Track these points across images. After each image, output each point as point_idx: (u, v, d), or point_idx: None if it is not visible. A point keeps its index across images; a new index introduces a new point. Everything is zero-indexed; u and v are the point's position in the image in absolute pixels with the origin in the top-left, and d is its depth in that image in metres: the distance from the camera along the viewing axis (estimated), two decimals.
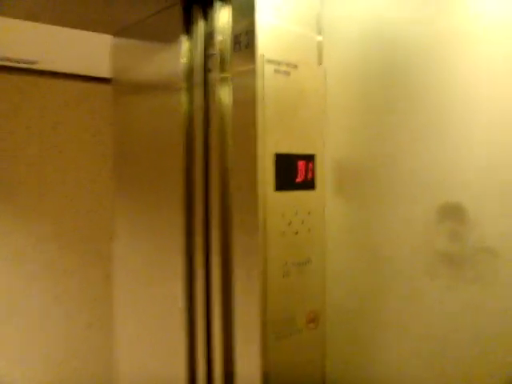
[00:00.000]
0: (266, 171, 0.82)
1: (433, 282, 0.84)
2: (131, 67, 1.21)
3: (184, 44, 1.04)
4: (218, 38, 0.97)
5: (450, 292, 0.83)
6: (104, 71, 1.21)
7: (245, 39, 0.92)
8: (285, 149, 0.86)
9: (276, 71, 0.90)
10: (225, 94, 0.97)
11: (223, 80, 0.98)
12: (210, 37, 1.00)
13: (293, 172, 0.88)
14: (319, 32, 0.97)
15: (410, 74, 0.89)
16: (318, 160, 0.91)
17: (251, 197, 0.82)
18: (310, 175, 0.90)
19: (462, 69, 0.85)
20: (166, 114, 1.11)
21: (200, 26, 1.01)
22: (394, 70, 0.91)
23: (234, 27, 0.96)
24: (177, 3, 1.04)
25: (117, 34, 1.25)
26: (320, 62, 0.98)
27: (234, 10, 0.96)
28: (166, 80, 1.09)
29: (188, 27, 1.05)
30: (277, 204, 0.84)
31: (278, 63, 0.91)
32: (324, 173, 0.90)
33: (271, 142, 0.84)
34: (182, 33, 1.04)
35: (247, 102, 0.86)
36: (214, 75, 0.98)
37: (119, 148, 1.28)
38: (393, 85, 0.91)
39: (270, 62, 0.90)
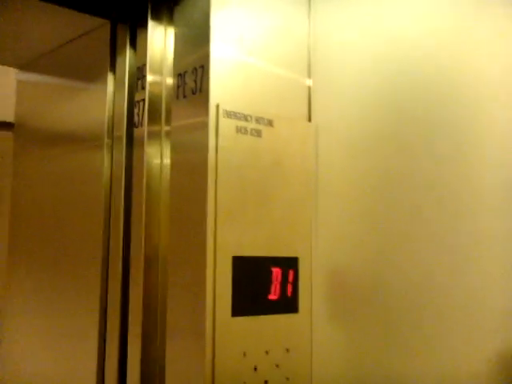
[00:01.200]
0: (219, 284, 0.58)
1: None
2: (40, 111, 0.89)
3: (110, 84, 0.70)
4: (151, 77, 0.64)
5: None
6: (10, 115, 0.88)
7: (192, 80, 0.60)
8: (250, 249, 0.61)
9: (239, 130, 0.63)
10: (157, 160, 0.64)
11: (155, 138, 0.64)
12: (140, 74, 0.67)
13: (263, 285, 0.62)
14: (309, 75, 0.65)
15: (437, 137, 0.58)
16: (302, 267, 0.65)
17: (195, 325, 0.58)
18: (289, 290, 0.64)
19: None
20: (83, 177, 0.78)
21: (125, 58, 0.67)
22: (413, 128, 0.61)
23: (177, 62, 0.63)
24: (103, 23, 0.71)
25: (23, 66, 0.93)
26: (309, 118, 0.65)
27: (177, 35, 0.64)
28: (85, 132, 0.76)
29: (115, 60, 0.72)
30: (235, 337, 0.59)
31: (244, 118, 0.60)
32: (311, 287, 0.65)
33: (228, 239, 0.60)
34: (108, 68, 0.71)
35: (193, 175, 0.61)
36: (142, 130, 0.64)
37: (19, 214, 0.95)
38: (414, 151, 0.60)
39: (229, 115, 0.59)
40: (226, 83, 0.61)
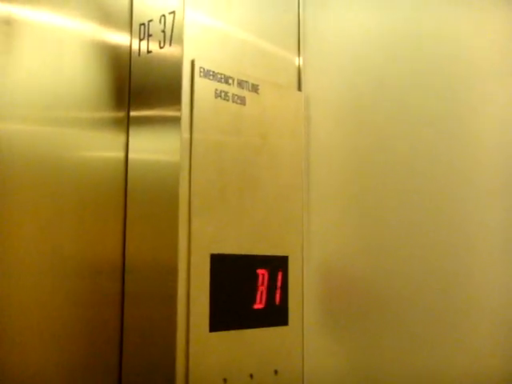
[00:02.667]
0: (194, 290, 0.47)
1: None
2: None
3: None
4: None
5: None
6: None
7: (159, 30, 0.48)
8: (231, 245, 0.50)
9: (219, 94, 0.51)
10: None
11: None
12: None
13: (247, 292, 0.51)
14: (298, 45, 0.56)
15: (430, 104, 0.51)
16: (292, 267, 0.55)
17: (162, 345, 0.46)
18: (278, 297, 0.54)
19: None
20: None
21: None
22: (404, 98, 0.54)
23: (138, 9, 0.50)
24: None
25: None
26: (299, 87, 0.55)
27: None
28: None
29: None
30: (214, 358, 0.47)
31: (224, 80, 0.49)
32: (303, 292, 0.55)
33: (205, 232, 0.49)
34: None
35: (159, 153, 0.50)
36: None
37: None
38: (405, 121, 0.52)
39: (206, 74, 0.48)
40: (202, 37, 0.49)
